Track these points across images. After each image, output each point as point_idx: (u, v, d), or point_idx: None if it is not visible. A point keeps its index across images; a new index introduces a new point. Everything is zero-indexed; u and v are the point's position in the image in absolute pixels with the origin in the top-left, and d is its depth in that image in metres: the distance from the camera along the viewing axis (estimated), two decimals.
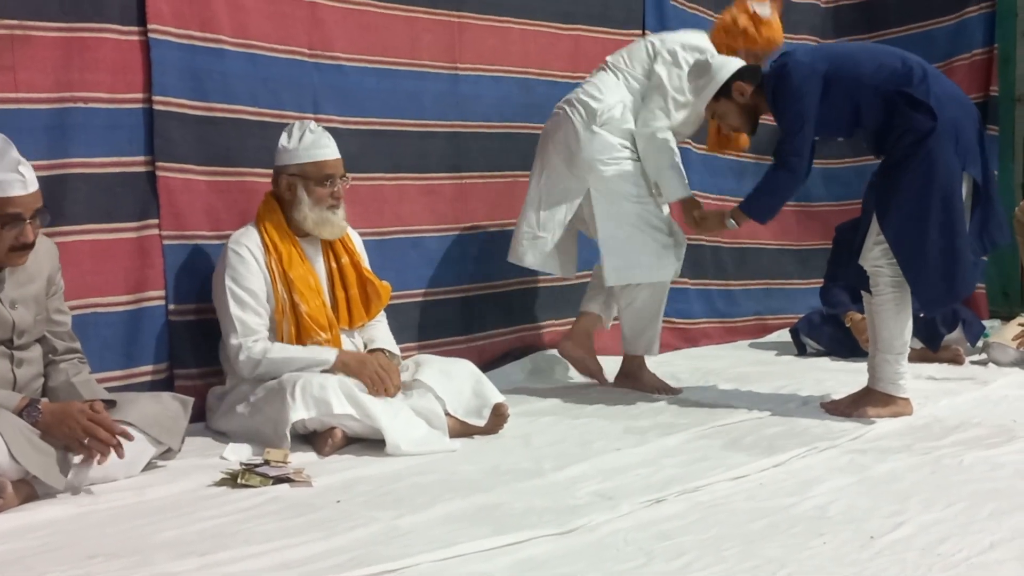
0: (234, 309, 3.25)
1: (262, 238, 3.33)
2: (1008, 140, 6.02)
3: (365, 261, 3.55)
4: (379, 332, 3.51)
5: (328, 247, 3.45)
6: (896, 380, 3.58)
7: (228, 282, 3.26)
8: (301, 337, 3.29)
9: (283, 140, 3.38)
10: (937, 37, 6.07)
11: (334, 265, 3.45)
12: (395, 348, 3.49)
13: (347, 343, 3.39)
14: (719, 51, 3.95)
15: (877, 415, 3.54)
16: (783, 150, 3.56)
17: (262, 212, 3.39)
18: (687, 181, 3.94)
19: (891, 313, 3.53)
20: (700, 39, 4.04)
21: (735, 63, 3.75)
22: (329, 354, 3.23)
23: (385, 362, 3.29)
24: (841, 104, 3.51)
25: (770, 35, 4.00)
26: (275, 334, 3.29)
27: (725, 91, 3.69)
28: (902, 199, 3.43)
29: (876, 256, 3.53)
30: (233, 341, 3.24)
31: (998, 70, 5.92)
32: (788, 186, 3.61)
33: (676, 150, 3.93)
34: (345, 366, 3.21)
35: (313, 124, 3.41)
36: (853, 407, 3.60)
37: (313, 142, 3.35)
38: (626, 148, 3.93)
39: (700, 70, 3.79)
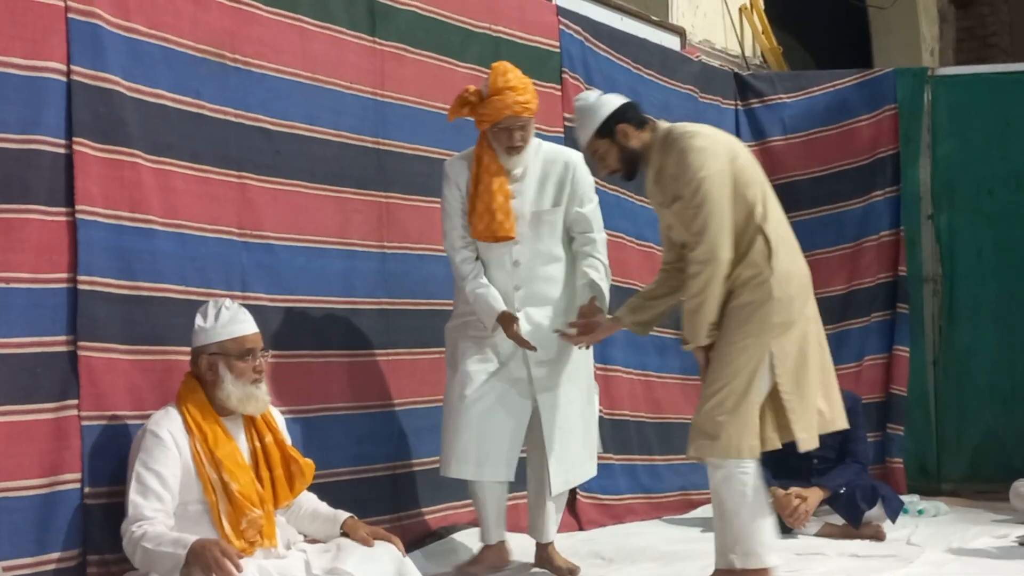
0: (133, 492, 3.13)
1: (184, 420, 3.26)
2: (918, 318, 6.25)
3: (288, 439, 3.50)
4: (322, 506, 3.45)
5: (251, 425, 3.38)
6: None
7: (138, 464, 3.16)
8: (235, 514, 3.19)
9: (199, 321, 3.33)
10: (847, 220, 6.36)
11: (257, 444, 3.37)
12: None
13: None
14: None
15: None
16: None
17: (183, 393, 3.32)
18: None
19: None
20: None
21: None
22: (188, 539, 2.99)
23: (226, 549, 2.99)
24: None
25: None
26: (211, 515, 3.19)
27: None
28: None
29: None
30: (123, 525, 3.13)
31: (905, 251, 6.20)
32: None
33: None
34: (191, 552, 2.94)
35: (228, 301, 3.37)
36: None
37: (231, 318, 3.32)
38: None
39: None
